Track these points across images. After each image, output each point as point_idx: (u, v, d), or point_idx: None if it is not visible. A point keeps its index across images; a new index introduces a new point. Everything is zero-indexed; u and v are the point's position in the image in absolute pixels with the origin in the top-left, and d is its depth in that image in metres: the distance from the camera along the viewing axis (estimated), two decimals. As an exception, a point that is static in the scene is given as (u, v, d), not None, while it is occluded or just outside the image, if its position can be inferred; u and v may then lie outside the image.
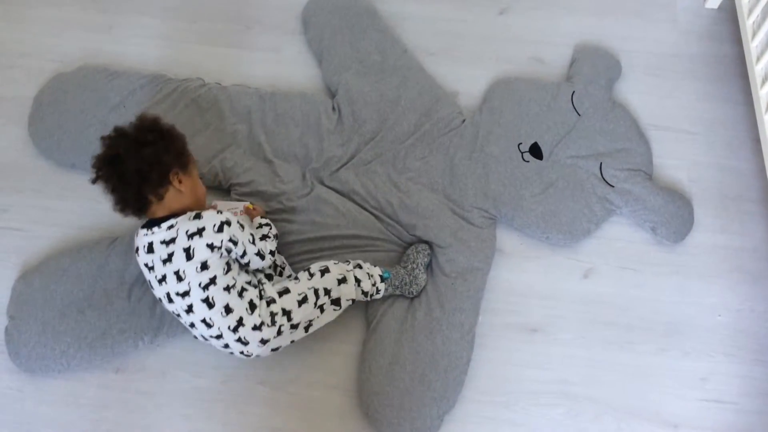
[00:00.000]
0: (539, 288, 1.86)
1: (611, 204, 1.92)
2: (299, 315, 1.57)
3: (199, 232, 1.47)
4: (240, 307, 1.50)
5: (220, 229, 1.48)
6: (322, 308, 1.61)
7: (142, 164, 1.47)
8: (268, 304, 1.54)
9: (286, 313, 1.55)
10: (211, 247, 1.46)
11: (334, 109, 2.01)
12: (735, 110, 2.09)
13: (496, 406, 1.73)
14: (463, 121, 2.02)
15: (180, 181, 1.53)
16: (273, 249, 1.63)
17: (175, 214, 1.51)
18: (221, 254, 1.49)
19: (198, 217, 1.49)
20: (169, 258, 1.47)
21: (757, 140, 1.99)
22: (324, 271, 1.63)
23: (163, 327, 1.72)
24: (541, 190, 1.92)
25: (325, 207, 1.85)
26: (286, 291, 1.57)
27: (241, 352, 1.54)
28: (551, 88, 2.06)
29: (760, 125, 1.90)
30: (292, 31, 2.17)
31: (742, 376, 1.77)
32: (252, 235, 1.56)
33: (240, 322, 1.50)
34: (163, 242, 1.48)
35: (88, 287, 1.75)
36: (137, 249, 1.54)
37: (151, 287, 1.55)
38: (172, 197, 1.52)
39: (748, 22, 1.99)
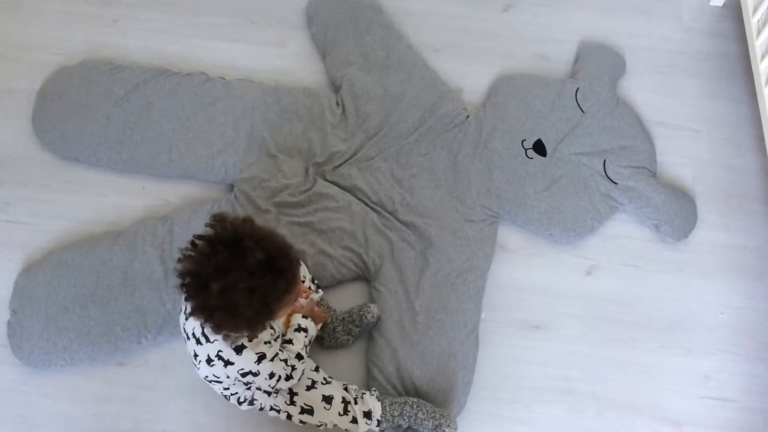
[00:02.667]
0: (542, 285, 1.86)
1: (615, 201, 1.92)
2: (270, 414, 1.59)
3: (227, 362, 1.36)
4: (240, 388, 1.50)
5: (244, 375, 1.38)
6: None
7: (222, 324, 1.22)
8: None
9: (261, 407, 1.57)
10: (227, 376, 1.39)
11: (337, 104, 2.01)
12: (739, 108, 2.09)
13: (498, 402, 1.73)
14: (467, 117, 2.02)
15: (260, 330, 1.31)
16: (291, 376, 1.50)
17: None
18: (235, 381, 1.43)
19: (238, 351, 1.35)
20: (197, 339, 1.37)
21: (761, 138, 1.99)
22: (306, 411, 1.56)
23: (168, 325, 1.72)
24: (544, 187, 1.92)
25: (326, 201, 1.85)
26: (267, 392, 1.55)
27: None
28: (555, 85, 2.06)
29: (764, 123, 1.90)
30: (296, 25, 2.17)
31: (744, 374, 1.78)
32: (278, 379, 1.44)
33: (226, 389, 1.51)
34: (201, 325, 1.34)
35: (91, 283, 1.75)
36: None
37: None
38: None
39: (753, 20, 1.99)
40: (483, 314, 1.80)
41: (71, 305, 1.72)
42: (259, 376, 1.39)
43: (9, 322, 1.72)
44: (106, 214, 1.88)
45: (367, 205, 1.87)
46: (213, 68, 2.07)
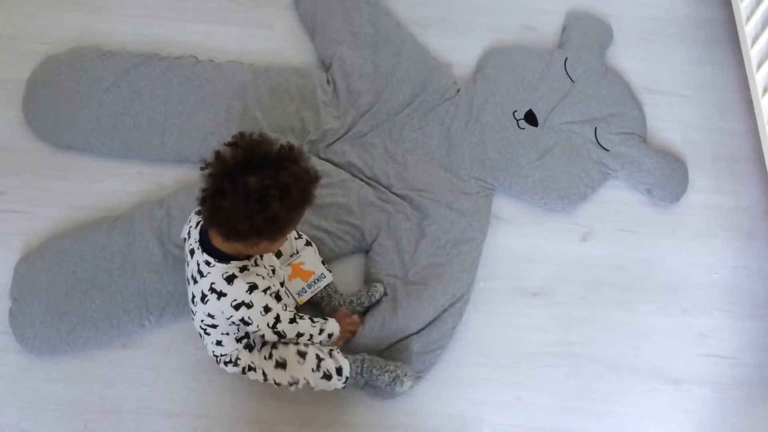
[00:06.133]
0: (539, 253, 1.88)
1: (607, 168, 1.94)
2: (249, 376, 1.59)
3: (220, 294, 1.37)
4: (230, 345, 1.53)
5: (237, 308, 1.38)
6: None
7: (245, 220, 1.23)
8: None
9: (243, 367, 1.58)
10: (221, 311, 1.40)
11: (328, 82, 2.01)
12: (726, 72, 2.11)
13: (499, 368, 1.75)
14: (458, 90, 2.03)
15: (254, 245, 1.31)
16: (302, 333, 1.54)
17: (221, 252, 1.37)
18: (231, 323, 1.44)
19: (230, 281, 1.36)
20: (194, 278, 1.40)
21: (748, 101, 2.01)
22: (280, 365, 1.57)
23: (169, 307, 1.73)
24: (537, 156, 1.94)
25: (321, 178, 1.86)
26: (250, 347, 1.58)
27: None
28: (544, 55, 2.07)
29: (751, 85, 1.92)
30: (283, 5, 2.16)
31: (739, 331, 1.81)
32: (276, 318, 1.44)
33: (218, 344, 1.53)
34: (197, 263, 1.39)
35: (91, 268, 1.75)
36: (188, 233, 1.45)
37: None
38: (234, 245, 1.33)
39: (737, -16, 2.01)
40: (481, 283, 1.82)
41: (72, 291, 1.73)
42: (253, 309, 1.38)
43: (11, 310, 1.72)
44: (102, 200, 1.88)
45: (362, 180, 1.88)
46: (202, 51, 2.07)
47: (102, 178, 1.91)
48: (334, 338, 1.62)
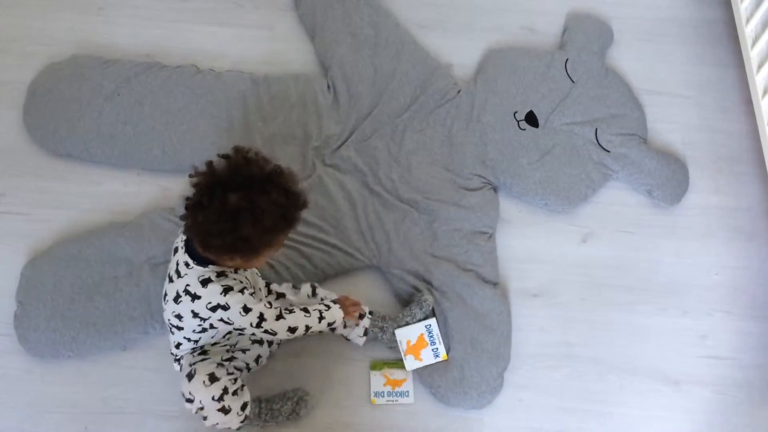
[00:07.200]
0: (539, 254, 1.88)
1: (608, 169, 1.94)
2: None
3: (194, 296, 1.35)
4: (186, 347, 1.52)
5: (214, 310, 1.35)
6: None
7: (217, 237, 1.24)
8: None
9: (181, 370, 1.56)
10: (194, 314, 1.37)
11: (329, 87, 2.01)
12: (726, 73, 2.11)
13: (501, 370, 1.76)
14: (459, 91, 2.03)
15: (229, 260, 1.32)
16: (295, 326, 1.47)
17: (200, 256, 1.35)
18: (203, 328, 1.42)
19: (204, 284, 1.34)
20: (170, 277, 1.41)
21: (748, 102, 2.01)
22: (188, 376, 1.48)
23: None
24: (538, 157, 1.94)
25: (324, 190, 1.86)
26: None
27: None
28: (545, 56, 2.07)
29: (751, 86, 1.92)
30: (284, 7, 2.16)
31: (740, 332, 1.81)
32: (260, 317, 1.39)
33: (177, 347, 1.53)
34: (177, 262, 1.39)
35: (97, 274, 1.75)
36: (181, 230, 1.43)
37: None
38: (214, 257, 1.33)
39: (737, -15, 2.01)
40: (481, 284, 1.83)
41: (78, 296, 1.72)
42: (231, 310, 1.35)
43: (16, 314, 1.72)
44: (103, 202, 1.88)
45: (367, 186, 1.88)
46: (201, 53, 2.06)
47: (102, 180, 1.91)
48: (337, 325, 1.57)
